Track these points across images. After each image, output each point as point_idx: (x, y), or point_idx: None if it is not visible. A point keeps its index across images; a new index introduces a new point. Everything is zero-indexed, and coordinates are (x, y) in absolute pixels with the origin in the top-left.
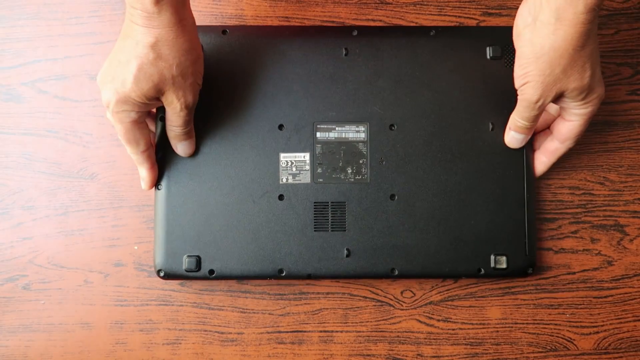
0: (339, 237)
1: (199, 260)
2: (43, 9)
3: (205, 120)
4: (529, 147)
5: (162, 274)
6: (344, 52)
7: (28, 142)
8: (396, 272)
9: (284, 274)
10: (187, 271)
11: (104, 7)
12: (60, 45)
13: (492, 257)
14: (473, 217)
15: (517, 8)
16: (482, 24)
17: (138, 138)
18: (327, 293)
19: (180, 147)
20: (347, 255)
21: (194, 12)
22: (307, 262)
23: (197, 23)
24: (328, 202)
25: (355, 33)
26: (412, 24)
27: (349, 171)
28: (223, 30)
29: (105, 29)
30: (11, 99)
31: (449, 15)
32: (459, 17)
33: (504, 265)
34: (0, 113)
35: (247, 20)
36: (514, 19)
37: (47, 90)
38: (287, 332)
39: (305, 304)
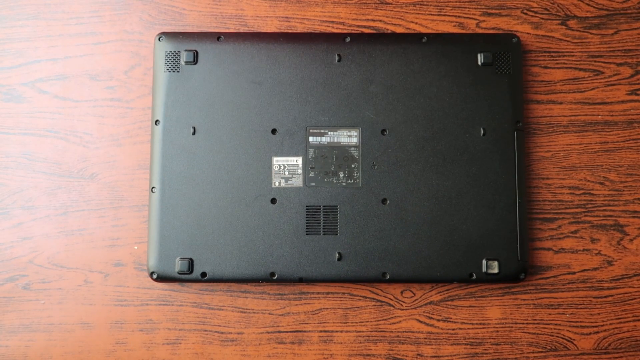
0: (331, 241)
1: (191, 263)
2: (43, 9)
3: (200, 125)
4: (521, 151)
5: (155, 276)
6: (337, 58)
7: (28, 142)
8: (387, 277)
9: (275, 277)
10: (179, 273)
11: (104, 7)
12: (60, 45)
13: (484, 262)
14: (465, 221)
15: (516, 8)
16: (482, 24)
17: None
18: (327, 293)
19: None
20: (339, 259)
21: (194, 12)
22: (298, 265)
23: (197, 24)
24: (320, 206)
25: (348, 40)
26: (411, 24)
27: (341, 175)
28: (218, 36)
29: (105, 29)
30: (11, 99)
31: (449, 15)
32: (459, 17)
33: (495, 270)
34: (0, 113)
35: (247, 20)
36: (513, 19)
37: (47, 90)
38: (287, 332)
39: (305, 304)
